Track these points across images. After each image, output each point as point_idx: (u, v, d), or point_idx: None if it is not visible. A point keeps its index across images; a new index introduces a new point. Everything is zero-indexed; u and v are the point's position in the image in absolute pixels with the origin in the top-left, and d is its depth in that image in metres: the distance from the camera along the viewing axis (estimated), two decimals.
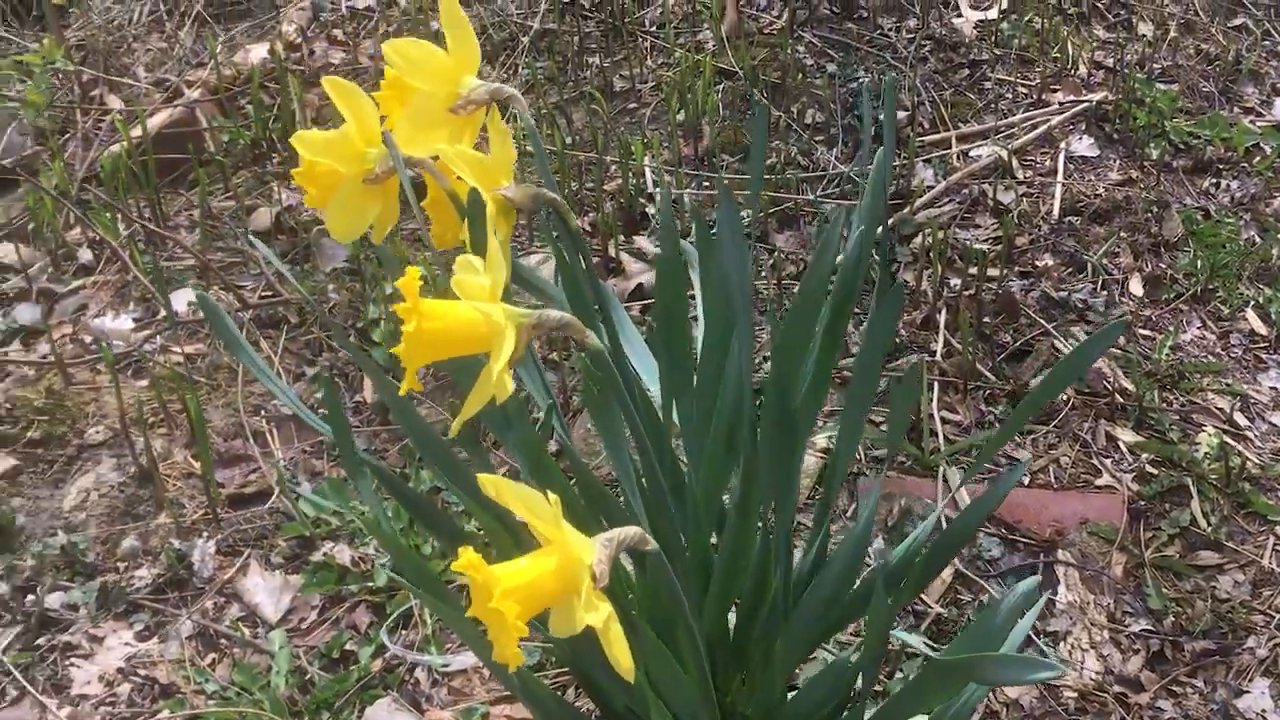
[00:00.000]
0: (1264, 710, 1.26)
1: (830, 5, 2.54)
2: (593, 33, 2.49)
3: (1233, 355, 1.77)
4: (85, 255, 2.00)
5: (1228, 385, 1.68)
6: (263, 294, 1.85)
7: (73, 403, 1.65)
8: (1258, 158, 2.19)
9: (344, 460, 0.96)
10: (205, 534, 1.47)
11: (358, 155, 0.96)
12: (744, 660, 1.01)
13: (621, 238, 1.93)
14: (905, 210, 1.98)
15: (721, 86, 2.29)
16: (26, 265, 1.93)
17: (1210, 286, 1.85)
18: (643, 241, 1.94)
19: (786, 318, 0.97)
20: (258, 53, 2.52)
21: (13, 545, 1.45)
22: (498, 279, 0.77)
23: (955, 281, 1.81)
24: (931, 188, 2.03)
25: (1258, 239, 1.99)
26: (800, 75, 2.28)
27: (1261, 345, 1.78)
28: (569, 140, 2.16)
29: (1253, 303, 1.84)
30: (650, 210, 2.00)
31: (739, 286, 0.90)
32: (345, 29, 2.56)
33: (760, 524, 0.96)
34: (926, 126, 2.22)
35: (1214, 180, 2.13)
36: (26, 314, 1.87)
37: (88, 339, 1.80)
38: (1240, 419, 1.62)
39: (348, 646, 1.35)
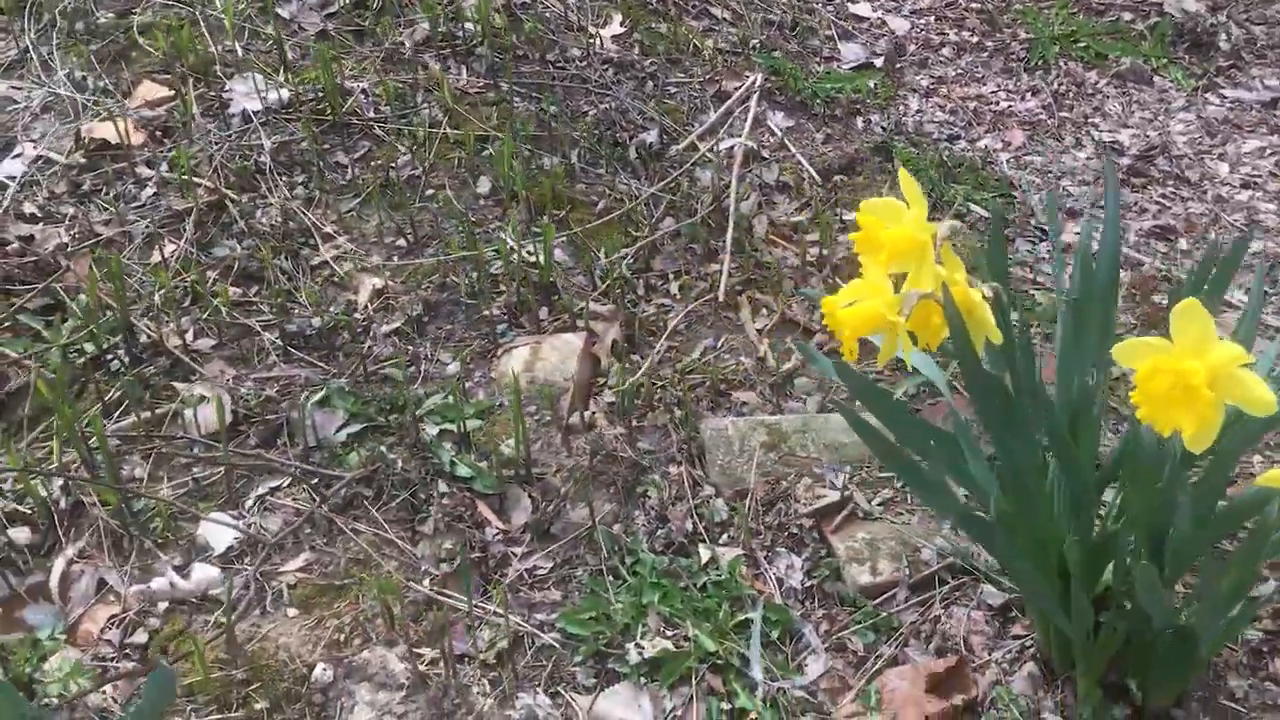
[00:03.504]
0: None
1: (493, 52, 2.87)
2: (315, 135, 2.59)
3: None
4: None
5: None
6: None
7: None
8: (870, 96, 3.00)
9: None
10: None
11: (892, 304, 1.31)
12: None
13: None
14: (732, 209, 2.48)
15: (486, 152, 2.56)
16: None
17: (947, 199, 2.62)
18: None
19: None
20: None
21: None
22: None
23: (827, 251, 2.38)
24: (726, 186, 2.54)
25: (916, 151, 2.81)
26: (554, 122, 2.63)
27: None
28: (409, 239, 2.32)
29: (966, 206, 2.64)
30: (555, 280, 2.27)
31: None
32: None
33: None
34: (667, 139, 2.71)
35: (865, 119, 2.90)
36: None
37: None
38: None
39: None
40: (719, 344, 2.21)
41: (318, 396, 2.00)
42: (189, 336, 2.15)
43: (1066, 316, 1.43)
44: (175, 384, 2.06)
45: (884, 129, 2.89)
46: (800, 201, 2.57)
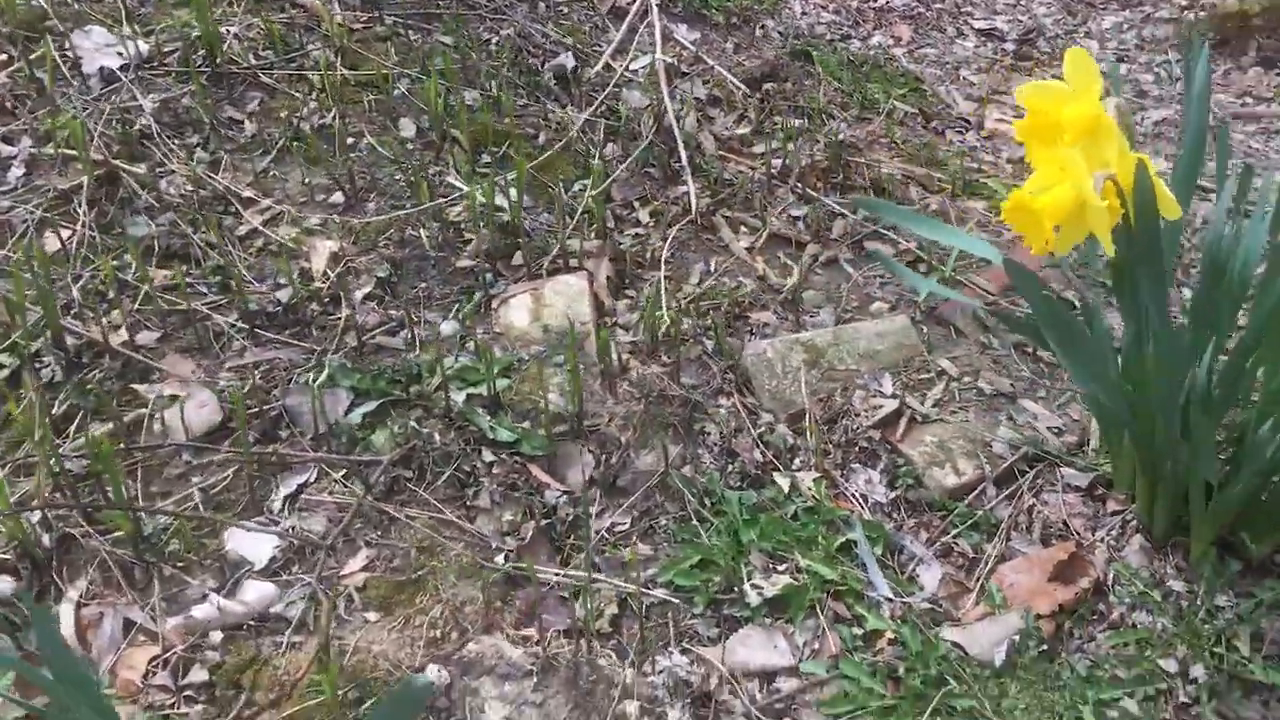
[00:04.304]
0: None
1: None
2: (203, 89, 2.31)
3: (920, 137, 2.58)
4: None
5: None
6: None
7: None
8: (757, 1, 2.96)
9: None
10: None
11: (1090, 188, 1.27)
12: None
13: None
14: (676, 129, 2.39)
15: (397, 92, 2.36)
16: None
17: (865, 93, 2.62)
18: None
19: None
20: None
21: None
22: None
23: (789, 162, 2.33)
24: (662, 105, 2.45)
25: (820, 53, 2.79)
26: (463, 53, 2.45)
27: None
28: (346, 194, 2.12)
29: (891, 104, 2.65)
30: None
31: None
32: None
33: None
34: (579, 62, 2.57)
35: (762, 26, 2.86)
36: None
37: None
38: None
39: None
40: (713, 268, 2.13)
41: (322, 377, 1.79)
42: (126, 331, 1.88)
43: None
44: (135, 386, 1.80)
45: (781, 34, 2.86)
46: (737, 114, 2.50)
